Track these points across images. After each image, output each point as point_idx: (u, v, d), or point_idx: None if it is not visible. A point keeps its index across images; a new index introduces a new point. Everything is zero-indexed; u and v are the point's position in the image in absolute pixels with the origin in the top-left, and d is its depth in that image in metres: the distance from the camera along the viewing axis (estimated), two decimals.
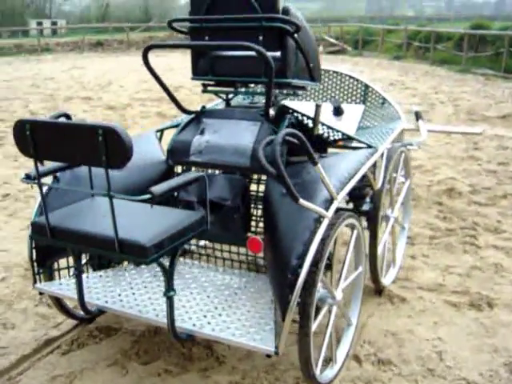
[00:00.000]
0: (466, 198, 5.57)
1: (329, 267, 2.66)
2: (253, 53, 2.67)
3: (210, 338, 2.51)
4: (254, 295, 2.84)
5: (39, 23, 41.25)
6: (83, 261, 3.13)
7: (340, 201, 2.58)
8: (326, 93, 4.25)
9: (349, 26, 31.69)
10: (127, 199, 2.17)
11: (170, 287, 2.36)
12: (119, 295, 2.82)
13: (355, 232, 2.87)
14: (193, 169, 3.31)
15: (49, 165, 2.57)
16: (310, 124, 3.20)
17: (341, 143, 3.48)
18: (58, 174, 2.89)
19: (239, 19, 2.90)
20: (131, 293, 2.85)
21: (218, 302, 2.76)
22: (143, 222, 2.32)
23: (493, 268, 4.03)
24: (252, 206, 3.19)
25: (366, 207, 3.57)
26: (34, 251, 2.81)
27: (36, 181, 2.34)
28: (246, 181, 3.03)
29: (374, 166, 3.24)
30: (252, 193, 3.20)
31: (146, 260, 2.14)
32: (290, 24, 2.83)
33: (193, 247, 3.45)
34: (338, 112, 4.03)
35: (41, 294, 2.96)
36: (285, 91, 3.30)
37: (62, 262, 2.99)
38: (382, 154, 3.34)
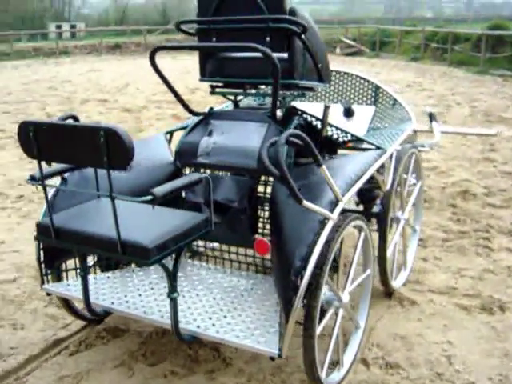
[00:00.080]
0: (480, 200, 5.51)
1: (335, 269, 2.65)
2: (260, 54, 2.66)
3: (214, 340, 2.50)
4: (261, 297, 2.83)
5: (58, 26, 41.62)
6: (91, 262, 3.15)
7: (345, 202, 2.56)
8: (336, 94, 4.23)
9: (366, 27, 31.58)
10: (129, 200, 2.17)
11: (173, 289, 2.36)
12: (125, 296, 2.82)
13: (363, 234, 2.84)
14: (202, 170, 3.30)
15: (55, 166, 2.59)
16: (319, 125, 3.18)
17: (350, 145, 3.46)
18: (65, 176, 2.91)
19: (246, 20, 2.90)
20: (137, 294, 2.85)
21: (224, 304, 2.75)
22: (146, 223, 2.33)
23: (506, 271, 3.98)
24: (259, 207, 3.18)
25: (376, 209, 3.55)
26: (41, 252, 2.83)
27: (40, 182, 2.35)
28: (253, 182, 3.01)
29: (383, 167, 3.22)
30: (259, 194, 3.19)
31: (147, 261, 2.13)
32: (297, 25, 2.82)
33: (201, 249, 3.45)
34: (348, 113, 4.01)
35: (48, 294, 2.97)
36: (294, 92, 3.28)
37: (70, 264, 3.00)
38: (391, 156, 3.31)
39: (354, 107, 4.02)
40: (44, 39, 35.80)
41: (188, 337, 2.54)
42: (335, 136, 3.29)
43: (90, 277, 3.04)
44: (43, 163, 2.31)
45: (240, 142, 2.96)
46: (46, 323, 3.35)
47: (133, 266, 3.21)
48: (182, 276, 3.09)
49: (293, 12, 2.85)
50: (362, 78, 4.15)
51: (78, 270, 2.69)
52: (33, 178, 2.42)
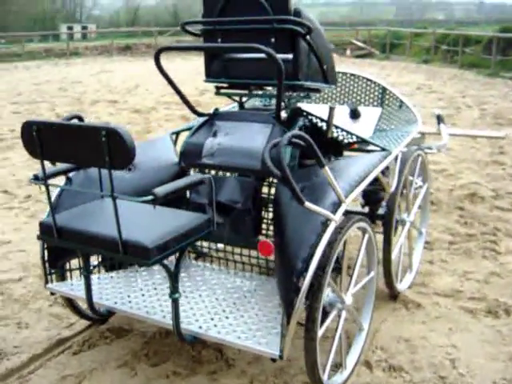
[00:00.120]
0: (488, 202, 5.48)
1: (338, 271, 2.64)
2: (264, 55, 2.66)
3: (215, 341, 2.50)
4: (264, 298, 2.83)
5: (69, 28, 41.86)
6: (96, 262, 3.16)
7: (349, 204, 2.55)
8: (343, 95, 4.22)
9: (377, 29, 31.51)
10: (130, 200, 2.17)
11: (175, 289, 2.36)
12: (128, 296, 2.83)
13: (366, 236, 2.83)
14: (207, 171, 3.30)
15: (59, 166, 2.60)
16: (325, 127, 3.18)
17: (356, 146, 3.46)
18: (70, 175, 2.92)
19: (251, 21, 2.90)
20: (140, 294, 2.85)
21: (227, 305, 2.74)
22: (148, 223, 2.33)
23: None
24: (263, 208, 3.18)
25: (381, 211, 3.54)
26: (45, 251, 2.84)
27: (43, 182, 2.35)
28: (258, 183, 3.01)
29: (388, 169, 3.20)
30: (264, 195, 3.18)
31: (148, 262, 2.14)
32: (302, 26, 2.82)
33: (205, 249, 3.45)
34: (354, 115, 4.00)
35: (52, 294, 2.98)
36: (299, 94, 3.27)
37: (75, 263, 3.01)
38: (397, 158, 3.30)
39: (361, 109, 4.01)
40: (55, 40, 36.01)
41: (190, 337, 2.54)
42: (340, 137, 3.28)
43: (94, 276, 3.05)
44: (48, 163, 2.32)
45: (244, 142, 2.96)
46: (50, 322, 3.36)
47: (137, 266, 3.22)
48: (185, 277, 3.09)
49: (298, 13, 2.85)
50: (368, 80, 4.14)
51: (82, 270, 2.70)
52: (36, 178, 2.43)
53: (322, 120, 3.19)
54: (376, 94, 4.11)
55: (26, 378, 2.84)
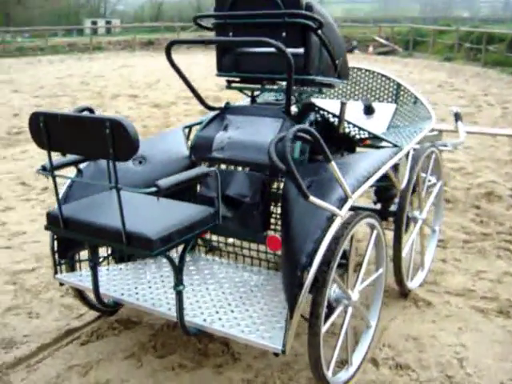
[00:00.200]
0: (505, 202, 5.40)
1: (345, 267, 2.62)
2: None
3: (219, 334, 2.50)
4: (270, 293, 2.82)
5: (93, 22, 42.13)
6: (105, 253, 3.18)
7: (355, 199, 2.53)
8: (357, 91, 4.19)
9: (400, 26, 31.25)
10: (134, 191, 2.18)
11: (179, 282, 2.36)
12: (136, 288, 2.84)
13: (375, 232, 2.81)
14: (217, 165, 3.30)
15: (69, 157, 2.62)
16: (336, 122, 3.16)
17: (369, 142, 3.43)
18: (81, 167, 2.94)
19: (262, 15, 2.89)
20: (148, 286, 2.87)
21: (233, 299, 2.74)
22: (153, 215, 2.33)
23: None
24: (272, 203, 3.17)
25: (393, 208, 3.51)
26: (55, 242, 2.87)
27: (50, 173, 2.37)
28: (266, 178, 3.00)
29: (398, 165, 3.17)
30: (273, 190, 3.17)
31: (151, 253, 2.14)
32: (313, 20, 2.80)
33: (215, 244, 3.45)
34: (368, 111, 3.97)
35: (61, 284, 3.00)
36: (310, 88, 3.26)
37: (84, 254, 3.03)
38: (408, 154, 3.27)
39: (375, 105, 3.98)
40: (79, 35, 36.30)
41: (194, 330, 2.55)
42: (352, 133, 3.26)
43: (103, 268, 3.07)
44: (59, 155, 2.34)
45: (254, 137, 2.95)
46: (60, 313, 3.39)
47: (147, 258, 3.22)
48: (194, 270, 3.10)
49: (309, 7, 2.83)
50: (383, 76, 4.10)
51: (89, 261, 2.71)
52: (44, 169, 2.45)
53: (334, 115, 3.17)
54: (391, 89, 4.08)
55: (33, 367, 2.87)
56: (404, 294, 3.55)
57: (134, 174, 3.05)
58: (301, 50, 2.91)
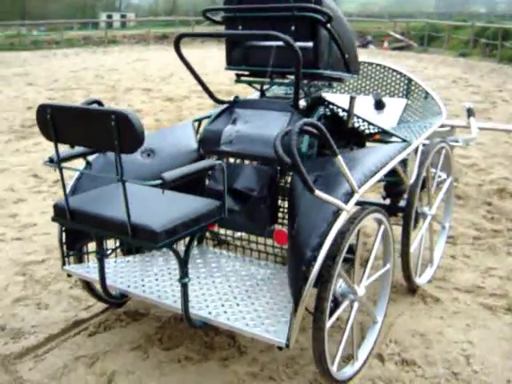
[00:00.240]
0: None
1: (351, 262, 2.61)
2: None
3: (224, 327, 2.51)
4: (276, 287, 2.82)
5: (109, 16, 42.30)
6: (114, 246, 3.20)
7: (361, 194, 2.52)
8: (369, 86, 4.17)
9: (416, 21, 31.03)
10: (139, 184, 2.19)
11: (184, 274, 2.37)
12: (142, 280, 2.85)
13: (382, 227, 2.80)
14: (225, 159, 3.30)
15: (77, 149, 2.63)
16: (346, 116, 3.15)
17: (378, 137, 3.41)
18: (89, 159, 2.96)
19: (271, 9, 2.88)
20: (154, 279, 2.88)
21: (239, 292, 2.75)
22: (158, 207, 2.34)
23: None
24: (280, 197, 3.16)
25: (403, 204, 3.49)
26: (63, 234, 2.88)
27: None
28: (274, 172, 3.00)
29: (407, 161, 3.16)
30: (281, 184, 3.17)
31: (155, 245, 2.15)
32: (322, 14, 2.78)
33: (224, 237, 3.46)
34: (379, 105, 3.95)
35: (69, 275, 3.02)
36: (320, 83, 3.24)
37: (93, 246, 3.04)
38: (417, 150, 3.25)
39: (385, 99, 3.96)
40: (94, 28, 36.43)
41: (199, 323, 2.56)
42: (362, 128, 3.25)
43: (111, 260, 3.09)
44: (67, 146, 2.36)
45: (262, 130, 2.95)
46: (69, 304, 3.42)
47: (154, 250, 3.24)
48: (201, 263, 3.10)
49: (319, 1, 2.82)
50: (394, 70, 4.08)
51: (96, 253, 2.73)
52: (51, 160, 2.46)
53: (343, 110, 3.16)
54: (402, 84, 4.05)
55: (41, 357, 2.90)
56: (412, 289, 3.54)
57: (142, 167, 3.06)
58: (310, 44, 2.90)
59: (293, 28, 2.85)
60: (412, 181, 3.18)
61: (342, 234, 2.37)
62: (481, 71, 16.74)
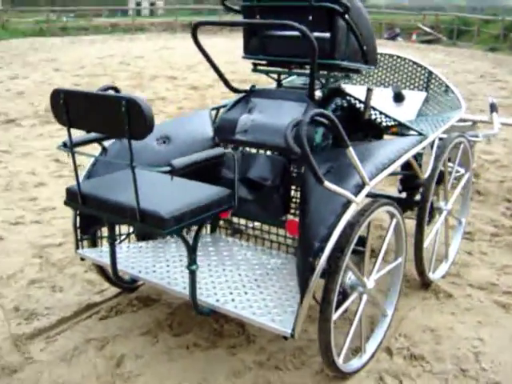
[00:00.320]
0: None
1: (362, 254, 2.60)
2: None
3: (231, 315, 2.52)
4: (286, 277, 2.82)
5: (138, 3, 42.49)
6: (127, 231, 3.23)
7: (372, 186, 2.50)
8: (389, 78, 4.14)
9: (445, 14, 30.59)
10: (148, 170, 2.20)
11: (192, 261, 2.39)
12: (153, 266, 2.88)
13: (394, 221, 2.78)
14: (240, 148, 3.30)
15: (91, 134, 2.66)
16: (363, 108, 3.13)
17: (395, 130, 3.38)
18: (106, 145, 2.98)
19: None
20: (165, 265, 2.90)
21: (248, 281, 2.76)
22: (168, 194, 2.36)
23: None
24: (293, 187, 3.16)
25: (418, 198, 3.47)
26: (77, 218, 2.92)
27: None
28: (288, 162, 2.99)
29: (421, 155, 3.13)
30: (294, 174, 3.16)
31: (163, 231, 2.16)
32: (340, 4, 2.76)
33: (237, 226, 3.47)
34: (398, 98, 3.92)
35: (82, 259, 3.06)
36: (338, 74, 3.22)
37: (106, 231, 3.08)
38: (433, 143, 3.21)
39: (405, 92, 3.93)
40: (123, 16, 36.60)
41: (207, 310, 2.57)
42: (379, 120, 3.22)
43: (124, 245, 3.12)
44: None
45: (277, 120, 2.94)
46: (83, 288, 3.46)
47: (168, 237, 3.25)
48: (213, 250, 3.12)
49: None
50: (414, 63, 4.04)
51: (107, 237, 2.75)
52: (65, 145, 2.49)
53: (360, 101, 3.14)
54: (422, 77, 4.01)
55: (52, 339, 2.95)
56: (425, 284, 3.51)
57: (157, 154, 3.08)
58: (327, 35, 2.87)
59: (310, 18, 2.83)
60: (427, 175, 3.15)
61: (352, 226, 2.37)
62: (509, 66, 16.45)
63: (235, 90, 3.27)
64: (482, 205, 5.01)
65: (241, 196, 2.94)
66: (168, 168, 2.11)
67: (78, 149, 2.48)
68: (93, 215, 2.80)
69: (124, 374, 2.68)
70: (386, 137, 3.35)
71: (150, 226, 2.21)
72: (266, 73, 3.30)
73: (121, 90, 2.84)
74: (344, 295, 2.58)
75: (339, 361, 2.53)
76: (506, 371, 2.77)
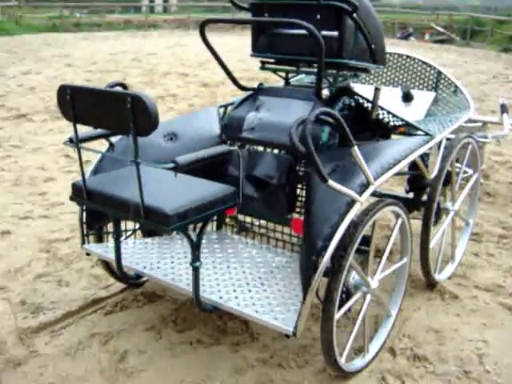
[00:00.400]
0: None
1: (366, 254, 2.60)
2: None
3: (233, 312, 2.52)
4: (290, 275, 2.83)
5: (151, 0, 42.45)
6: (133, 227, 3.24)
7: (377, 186, 2.50)
8: (398, 78, 4.12)
9: (459, 14, 30.40)
10: (153, 166, 2.21)
11: (195, 258, 2.40)
12: (158, 262, 2.89)
13: (399, 221, 2.77)
14: (247, 146, 3.30)
15: (98, 130, 2.68)
16: (370, 108, 3.12)
17: (403, 129, 3.38)
18: (113, 141, 3.00)
19: None
20: (170, 261, 2.91)
21: (252, 279, 2.76)
22: (173, 191, 2.37)
23: None
24: (299, 186, 3.16)
25: (425, 198, 3.46)
26: (84, 213, 2.94)
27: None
28: (294, 160, 2.99)
29: (428, 155, 3.12)
30: (300, 173, 3.16)
31: (167, 228, 2.17)
32: (348, 3, 2.76)
33: (243, 224, 3.47)
34: (407, 98, 3.91)
35: (88, 254, 3.07)
36: (348, 73, 3.21)
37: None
38: (440, 144, 3.20)
39: (414, 92, 3.92)
40: (137, 12, 36.68)
41: (210, 306, 2.58)
42: (386, 119, 3.21)
43: (129, 241, 3.14)
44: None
45: (284, 118, 2.94)
46: (89, 282, 3.48)
47: (174, 233, 3.26)
48: (218, 248, 3.13)
49: None
50: (423, 63, 4.02)
51: (113, 233, 2.77)
52: (71, 141, 2.51)
53: (368, 100, 3.13)
54: (431, 77, 4.00)
55: (57, 333, 2.97)
56: (430, 285, 3.50)
57: (164, 151, 3.08)
58: (335, 33, 2.87)
59: (318, 16, 2.83)
60: (434, 175, 3.14)
61: (355, 225, 2.36)
62: None
63: (243, 88, 3.28)
64: (490, 206, 4.98)
65: (247, 194, 2.95)
66: (172, 165, 2.12)
67: (85, 144, 2.49)
68: (99, 211, 2.81)
69: (127, 369, 2.70)
70: (393, 136, 3.35)
71: (154, 223, 2.22)
72: (274, 71, 3.30)
73: (129, 87, 2.85)
74: (347, 294, 2.58)
75: (341, 360, 2.54)
76: (510, 374, 2.76)
